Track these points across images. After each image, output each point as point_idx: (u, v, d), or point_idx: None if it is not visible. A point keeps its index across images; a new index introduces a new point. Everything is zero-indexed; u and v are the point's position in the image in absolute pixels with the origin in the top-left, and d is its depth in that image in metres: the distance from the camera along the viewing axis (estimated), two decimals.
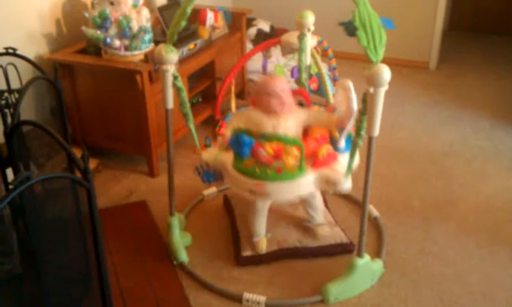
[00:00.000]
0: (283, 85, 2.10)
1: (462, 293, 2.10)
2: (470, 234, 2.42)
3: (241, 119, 2.15)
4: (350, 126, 2.05)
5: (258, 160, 1.98)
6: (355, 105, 1.99)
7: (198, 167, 2.19)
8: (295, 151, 1.98)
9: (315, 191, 2.16)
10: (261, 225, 2.25)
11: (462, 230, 2.45)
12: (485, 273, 2.20)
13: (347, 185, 2.00)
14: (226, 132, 2.15)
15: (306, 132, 2.15)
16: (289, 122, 2.08)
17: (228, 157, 2.08)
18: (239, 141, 2.01)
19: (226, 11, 3.42)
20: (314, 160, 2.02)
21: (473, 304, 2.05)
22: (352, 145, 1.92)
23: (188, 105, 2.13)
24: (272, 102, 2.06)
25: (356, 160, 2.01)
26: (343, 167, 2.01)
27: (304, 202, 2.28)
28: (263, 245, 2.24)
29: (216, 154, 2.14)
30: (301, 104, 2.29)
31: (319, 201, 2.31)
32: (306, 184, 2.02)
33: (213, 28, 3.25)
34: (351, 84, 2.01)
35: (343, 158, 2.06)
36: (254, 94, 2.18)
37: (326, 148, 2.05)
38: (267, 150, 1.97)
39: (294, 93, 2.30)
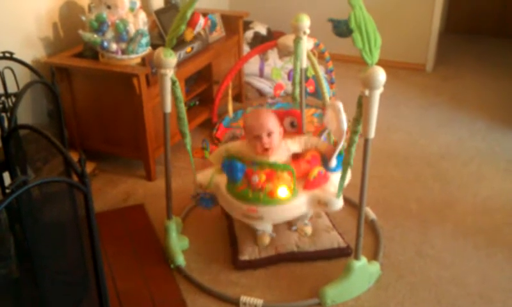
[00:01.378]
0: (269, 123, 2.08)
1: (459, 295, 2.10)
2: (467, 236, 2.43)
3: (230, 147, 2.19)
4: (340, 146, 2.10)
5: (251, 186, 2.01)
6: (345, 126, 2.03)
7: (195, 194, 2.22)
8: (286, 176, 2.01)
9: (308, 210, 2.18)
10: None
11: (459, 232, 2.46)
12: (482, 275, 2.20)
13: (338, 205, 2.05)
14: (212, 157, 2.22)
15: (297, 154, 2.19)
16: (278, 157, 2.10)
17: (222, 180, 2.11)
18: (232, 166, 2.04)
19: (213, 19, 3.43)
20: (306, 181, 2.06)
21: (470, 306, 2.05)
22: (343, 165, 1.95)
23: (186, 122, 2.12)
24: (258, 145, 2.08)
25: (348, 176, 2.05)
26: (334, 187, 2.05)
27: None
28: (265, 239, 2.25)
29: (211, 177, 2.16)
30: (292, 125, 2.32)
31: None
32: (299, 206, 2.06)
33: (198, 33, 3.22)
34: (340, 106, 2.05)
35: (334, 177, 2.10)
36: (244, 131, 2.20)
37: (318, 170, 2.08)
38: (259, 176, 2.00)
39: (286, 113, 2.32)
